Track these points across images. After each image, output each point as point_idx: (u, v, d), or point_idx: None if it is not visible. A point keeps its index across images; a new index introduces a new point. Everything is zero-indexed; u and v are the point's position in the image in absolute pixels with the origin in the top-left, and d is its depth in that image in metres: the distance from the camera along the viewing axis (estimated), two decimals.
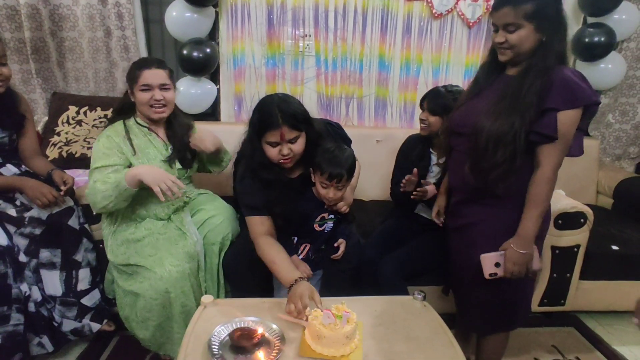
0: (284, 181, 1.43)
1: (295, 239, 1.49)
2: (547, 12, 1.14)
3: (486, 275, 1.25)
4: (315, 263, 1.52)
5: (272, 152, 1.35)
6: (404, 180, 1.59)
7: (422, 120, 1.67)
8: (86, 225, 1.64)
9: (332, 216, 1.48)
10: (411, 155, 1.75)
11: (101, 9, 2.26)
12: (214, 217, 1.60)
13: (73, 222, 1.57)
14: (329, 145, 1.40)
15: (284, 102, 1.36)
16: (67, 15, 2.26)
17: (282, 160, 1.36)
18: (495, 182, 1.18)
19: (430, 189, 1.60)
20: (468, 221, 1.31)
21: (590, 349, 1.86)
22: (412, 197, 1.60)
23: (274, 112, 1.32)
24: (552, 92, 1.13)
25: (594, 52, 2.34)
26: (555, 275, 1.86)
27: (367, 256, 1.63)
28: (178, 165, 1.62)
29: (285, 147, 1.34)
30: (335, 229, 1.52)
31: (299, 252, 1.49)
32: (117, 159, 1.48)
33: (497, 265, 1.24)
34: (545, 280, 1.87)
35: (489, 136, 1.15)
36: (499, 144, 1.15)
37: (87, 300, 1.60)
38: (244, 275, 1.55)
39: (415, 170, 1.60)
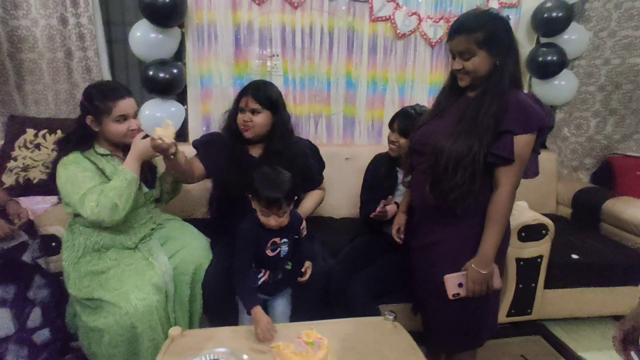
0: (243, 149, 1.70)
1: (253, 265, 1.47)
2: (498, 38, 1.20)
3: (450, 296, 1.27)
4: (282, 283, 1.51)
5: (239, 118, 1.66)
6: (379, 209, 1.63)
7: (392, 142, 1.70)
8: (40, 260, 1.55)
9: (285, 240, 1.46)
10: (378, 173, 1.79)
11: (61, 29, 2.20)
12: (186, 247, 1.56)
13: (27, 257, 1.49)
14: (265, 169, 1.38)
15: (262, 82, 1.73)
16: (26, 37, 2.18)
17: (242, 126, 1.65)
18: (454, 202, 1.22)
19: (391, 209, 1.63)
20: (429, 240, 1.34)
21: (557, 357, 1.92)
22: (371, 216, 1.63)
23: (250, 85, 1.70)
24: (508, 115, 1.18)
25: (547, 70, 2.47)
26: (521, 286, 1.92)
27: (336, 276, 1.63)
28: (145, 188, 1.58)
29: (247, 115, 1.64)
30: (295, 250, 1.51)
31: (259, 277, 1.47)
32: (99, 178, 1.42)
33: (460, 285, 1.26)
34: (511, 291, 1.93)
35: (449, 157, 1.19)
36: (458, 165, 1.18)
37: (38, 338, 1.50)
38: (225, 299, 1.52)
39: (390, 197, 1.66)
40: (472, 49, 1.20)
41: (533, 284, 1.94)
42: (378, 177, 1.78)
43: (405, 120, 1.66)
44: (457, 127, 1.22)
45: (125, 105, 1.47)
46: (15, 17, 2.15)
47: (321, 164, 1.94)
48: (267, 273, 1.47)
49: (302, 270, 1.51)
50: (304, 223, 1.65)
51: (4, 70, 2.20)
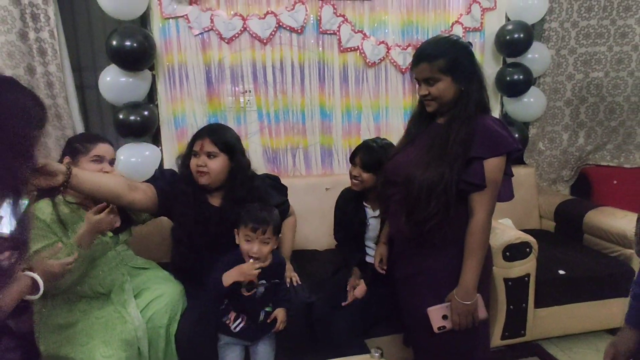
0: (201, 198, 1.56)
1: (229, 306, 1.43)
2: (461, 65, 1.22)
3: (435, 329, 1.23)
4: (263, 328, 1.45)
5: (192, 162, 1.53)
6: (350, 299, 1.60)
7: (354, 177, 1.65)
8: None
9: (263, 281, 1.42)
10: (347, 209, 1.75)
11: (29, 79, 2.18)
12: (160, 296, 1.49)
13: None
14: (254, 204, 1.42)
15: (218, 125, 1.66)
16: None
17: (197, 170, 1.51)
18: (431, 233, 1.20)
19: (359, 291, 1.59)
20: (410, 271, 1.31)
21: None
22: (343, 305, 1.59)
23: (204, 128, 1.60)
24: (476, 141, 1.19)
25: (516, 89, 2.54)
26: (511, 307, 1.89)
27: (319, 312, 1.58)
28: (109, 233, 1.52)
29: (202, 159, 1.51)
30: (274, 294, 1.47)
31: (236, 325, 1.41)
32: (50, 238, 1.36)
33: (444, 317, 1.22)
34: (503, 313, 1.89)
35: (421, 186, 1.18)
36: (431, 194, 1.17)
37: None
38: (202, 350, 1.45)
39: (352, 279, 1.64)
40: (436, 75, 1.21)
41: (524, 304, 1.91)
42: (347, 213, 1.73)
43: (367, 154, 1.61)
44: (427, 155, 1.22)
45: (104, 148, 1.52)
46: None
47: (283, 191, 1.89)
48: (244, 318, 1.41)
49: (269, 320, 1.46)
50: (294, 274, 1.66)
51: None
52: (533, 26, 2.54)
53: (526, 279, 1.88)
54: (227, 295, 1.43)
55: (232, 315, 1.44)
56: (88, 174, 1.32)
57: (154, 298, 1.48)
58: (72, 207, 1.47)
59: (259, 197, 1.58)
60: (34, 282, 1.10)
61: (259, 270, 1.36)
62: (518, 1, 2.49)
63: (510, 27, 2.47)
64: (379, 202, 1.49)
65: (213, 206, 1.57)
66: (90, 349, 1.29)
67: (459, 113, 1.22)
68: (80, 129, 2.29)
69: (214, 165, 1.51)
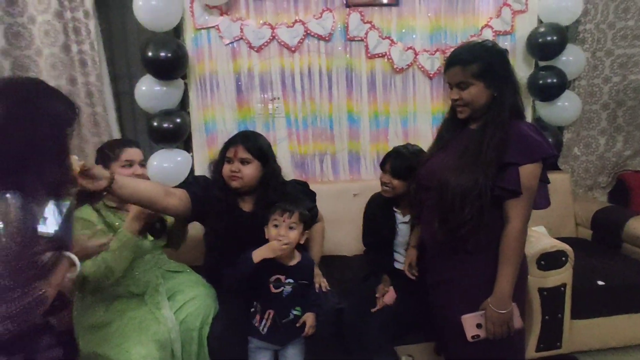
0: (233, 203, 1.59)
1: (258, 305, 1.47)
2: (494, 70, 1.20)
3: (469, 338, 1.20)
4: (292, 331, 1.46)
5: (226, 168, 1.57)
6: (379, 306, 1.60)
7: (384, 183, 1.65)
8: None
9: (290, 280, 1.44)
10: (376, 215, 1.74)
11: (71, 88, 2.29)
12: (193, 299, 1.54)
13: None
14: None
15: (251, 132, 1.70)
16: None
17: (230, 175, 1.54)
18: (464, 238, 1.18)
19: (388, 298, 1.58)
20: (443, 277, 1.29)
21: None
22: (373, 311, 1.59)
23: (238, 134, 1.64)
24: (511, 147, 1.17)
25: (549, 93, 2.47)
26: (547, 317, 1.82)
27: (349, 320, 1.57)
28: (150, 237, 1.59)
29: (236, 165, 1.55)
30: (303, 296, 1.49)
31: (264, 320, 1.43)
32: (102, 236, 1.42)
33: (478, 326, 1.20)
34: (538, 324, 1.82)
35: (455, 192, 1.17)
36: (465, 200, 1.16)
37: None
38: (232, 351, 1.48)
39: (381, 286, 1.63)
40: (469, 79, 1.20)
41: (559, 315, 1.84)
42: (376, 219, 1.73)
43: (397, 161, 1.61)
44: (461, 160, 1.21)
45: (132, 152, 1.58)
46: None
47: (312, 197, 1.90)
48: (271, 314, 1.43)
49: (298, 324, 1.48)
50: (323, 280, 1.66)
51: None
52: (567, 28, 2.47)
53: (562, 289, 1.82)
54: (256, 294, 1.47)
55: (258, 316, 1.47)
56: (127, 180, 1.37)
57: (186, 301, 1.52)
58: (112, 211, 1.53)
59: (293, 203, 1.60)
60: (72, 261, 1.15)
61: (287, 247, 1.41)
62: (551, 3, 2.43)
63: (542, 29, 2.42)
64: (411, 207, 1.48)
65: (245, 212, 1.61)
66: (126, 348, 1.33)
67: (492, 118, 1.20)
68: (116, 135, 2.39)
69: (248, 171, 1.55)
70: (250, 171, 1.55)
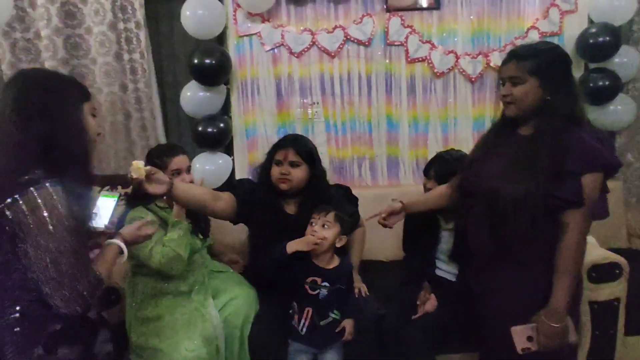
0: (277, 206, 1.63)
1: (296, 305, 1.49)
2: (552, 70, 1.17)
3: (519, 350, 1.16)
4: (332, 336, 1.47)
5: (275, 170, 1.60)
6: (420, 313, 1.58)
7: (429, 190, 1.64)
8: (103, 313, 1.63)
9: (325, 283, 1.46)
10: (418, 221, 1.71)
11: (122, 94, 2.42)
12: (235, 299, 1.59)
13: (92, 312, 1.56)
14: None
15: (299, 136, 1.76)
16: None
17: (280, 178, 1.58)
18: (516, 248, 1.14)
19: (430, 306, 1.56)
20: (492, 287, 1.25)
21: None
22: (413, 318, 1.57)
23: (287, 138, 1.69)
24: (571, 154, 1.12)
25: (601, 96, 2.35)
26: (597, 332, 1.73)
27: (389, 327, 1.56)
28: (200, 236, 1.67)
29: (286, 167, 1.58)
30: (340, 301, 1.49)
31: (302, 319, 1.45)
32: (161, 229, 1.53)
33: (529, 339, 1.15)
34: (588, 340, 1.73)
35: (507, 202, 1.13)
36: (517, 210, 1.12)
37: None
38: (274, 352, 1.51)
39: (423, 292, 1.62)
40: (523, 75, 1.17)
41: (611, 331, 1.74)
42: (419, 225, 1.70)
43: (442, 167, 1.61)
44: (513, 168, 1.17)
45: (179, 160, 1.64)
46: None
47: (354, 202, 1.92)
48: (310, 312, 1.45)
49: (337, 329, 1.49)
50: (363, 285, 1.68)
51: None
52: (620, 28, 2.35)
53: (615, 303, 1.72)
54: (294, 295, 1.50)
55: (297, 316, 1.49)
56: (183, 185, 1.46)
57: (229, 300, 1.58)
58: (166, 211, 1.61)
59: (334, 205, 1.61)
60: (120, 248, 1.22)
61: (320, 244, 1.44)
62: (603, 2, 2.32)
63: (594, 30, 2.30)
64: (455, 211, 1.44)
65: (289, 214, 1.64)
66: (175, 342, 1.40)
67: (546, 125, 1.16)
68: (162, 139, 2.49)
69: (297, 174, 1.60)
70: (299, 174, 1.60)
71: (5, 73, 2.31)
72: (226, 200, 1.57)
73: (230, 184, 1.77)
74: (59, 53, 2.31)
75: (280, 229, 1.57)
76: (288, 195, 1.64)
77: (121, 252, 1.21)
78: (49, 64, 2.31)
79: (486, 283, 1.28)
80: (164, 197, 1.41)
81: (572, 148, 1.12)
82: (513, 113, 1.22)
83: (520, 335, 1.16)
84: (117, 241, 1.20)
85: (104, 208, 1.32)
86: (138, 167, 1.30)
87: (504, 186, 1.15)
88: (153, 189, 1.32)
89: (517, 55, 1.20)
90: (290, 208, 1.67)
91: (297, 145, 1.62)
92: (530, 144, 1.18)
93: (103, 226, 1.26)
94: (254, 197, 1.62)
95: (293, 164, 1.60)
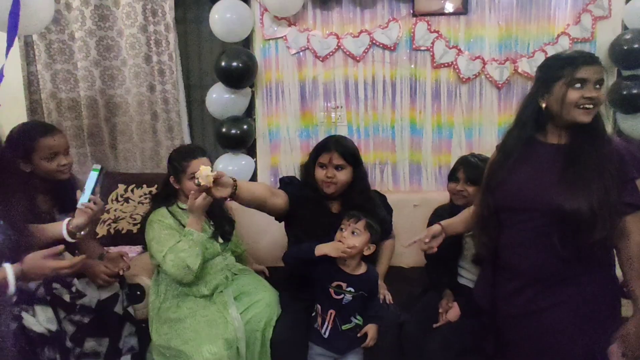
0: (322, 204, 1.65)
1: (319, 307, 1.49)
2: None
3: None
4: (353, 341, 1.47)
5: (320, 173, 1.61)
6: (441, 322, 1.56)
7: (459, 192, 1.64)
8: (129, 309, 1.66)
9: (350, 289, 1.45)
10: None
11: (149, 95, 2.48)
12: (258, 302, 1.59)
13: (118, 308, 1.60)
14: None
15: (341, 138, 1.72)
16: (119, 103, 2.48)
17: (325, 181, 1.58)
18: (587, 260, 1.14)
19: (452, 315, 1.55)
20: (541, 306, 1.20)
21: None
22: (435, 326, 1.56)
23: (330, 140, 1.66)
24: (624, 161, 1.13)
25: (635, 104, 2.27)
26: None
27: (410, 334, 1.54)
28: (220, 240, 1.67)
29: (331, 170, 1.59)
30: (364, 307, 1.49)
31: (325, 322, 1.45)
32: (178, 235, 1.54)
33: (624, 355, 1.12)
34: None
35: (581, 213, 1.10)
36: (597, 220, 1.09)
37: None
38: (294, 355, 1.52)
39: (444, 301, 1.61)
40: (603, 80, 1.17)
41: None
42: None
43: (470, 168, 1.62)
44: (564, 179, 1.14)
45: (198, 163, 1.57)
46: (111, 87, 2.47)
47: (389, 210, 1.91)
48: (333, 315, 1.45)
49: (359, 334, 1.48)
50: (387, 292, 1.67)
51: (100, 132, 2.51)
52: None
53: None
54: (318, 298, 1.51)
55: (320, 319, 1.50)
56: (246, 185, 1.47)
57: (252, 303, 1.58)
58: (186, 214, 1.61)
59: (371, 209, 1.63)
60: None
61: (348, 252, 1.43)
62: (638, 8, 2.25)
63: (628, 36, 2.24)
64: (483, 229, 1.31)
65: (333, 213, 1.66)
66: (197, 344, 1.41)
67: (595, 132, 1.17)
68: (187, 139, 2.54)
69: (342, 177, 1.60)
70: (344, 177, 1.60)
71: (41, 73, 2.40)
72: (282, 197, 1.61)
73: (281, 181, 1.78)
74: (92, 54, 2.39)
75: (323, 226, 1.57)
76: (332, 196, 1.65)
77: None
78: (81, 65, 2.39)
79: (532, 302, 1.21)
80: (229, 199, 1.42)
81: (622, 155, 1.14)
82: (592, 116, 1.17)
83: (618, 355, 1.12)
84: (7, 266, 1.05)
85: (88, 184, 1.35)
86: (207, 175, 1.29)
87: (570, 199, 1.11)
88: (219, 192, 1.34)
89: (597, 59, 1.17)
90: (334, 207, 1.69)
91: (341, 148, 1.61)
92: (570, 153, 1.17)
93: (82, 204, 1.31)
94: (302, 195, 1.65)
95: (338, 167, 1.59)
